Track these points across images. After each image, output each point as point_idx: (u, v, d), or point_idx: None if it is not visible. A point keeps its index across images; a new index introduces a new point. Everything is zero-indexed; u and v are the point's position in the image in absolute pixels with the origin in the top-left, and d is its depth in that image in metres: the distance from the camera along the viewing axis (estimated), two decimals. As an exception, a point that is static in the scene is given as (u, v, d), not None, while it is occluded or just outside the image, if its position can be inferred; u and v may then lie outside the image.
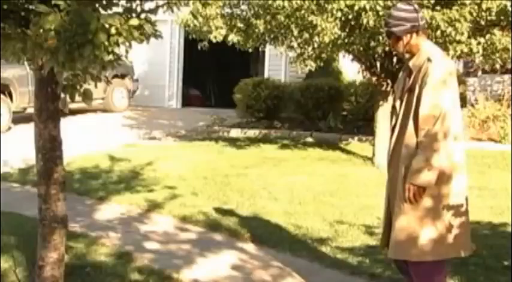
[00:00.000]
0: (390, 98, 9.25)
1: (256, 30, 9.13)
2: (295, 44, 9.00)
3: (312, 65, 9.30)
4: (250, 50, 10.44)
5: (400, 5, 3.82)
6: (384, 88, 9.18)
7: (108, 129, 12.74)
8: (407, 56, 3.82)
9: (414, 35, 3.72)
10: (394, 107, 3.87)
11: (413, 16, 3.75)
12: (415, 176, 3.55)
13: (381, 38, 8.03)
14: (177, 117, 14.49)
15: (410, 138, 3.63)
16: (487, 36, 8.09)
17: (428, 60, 3.66)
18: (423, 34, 3.78)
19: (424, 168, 3.53)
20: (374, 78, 9.33)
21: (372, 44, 8.35)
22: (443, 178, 3.60)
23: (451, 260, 3.89)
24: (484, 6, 7.75)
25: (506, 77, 12.83)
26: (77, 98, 3.25)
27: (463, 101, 10.87)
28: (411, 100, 3.66)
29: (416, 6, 3.81)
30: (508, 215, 6.19)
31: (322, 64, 9.78)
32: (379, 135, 9.11)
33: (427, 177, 3.53)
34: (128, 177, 8.06)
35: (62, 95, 3.30)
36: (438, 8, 7.97)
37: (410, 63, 3.75)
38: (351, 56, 9.57)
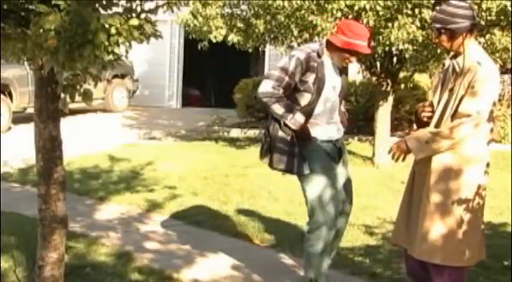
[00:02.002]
0: (390, 98, 9.26)
1: (256, 30, 9.12)
2: (295, 44, 9.00)
3: (312, 65, 9.29)
4: (250, 50, 10.43)
5: (454, 2, 3.60)
6: (383, 88, 9.18)
7: (108, 129, 12.73)
8: (452, 53, 3.65)
9: (468, 33, 3.56)
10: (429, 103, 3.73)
11: (470, 14, 3.59)
12: (415, 142, 3.51)
13: (381, 38, 8.04)
14: (177, 117, 14.49)
15: None
16: (487, 36, 8.08)
17: (478, 63, 3.51)
18: (473, 34, 3.62)
19: (429, 140, 3.50)
20: (374, 78, 9.33)
21: (372, 44, 8.35)
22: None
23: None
24: (484, 6, 7.74)
25: (506, 77, 12.82)
26: (77, 98, 3.25)
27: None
28: (450, 100, 3.54)
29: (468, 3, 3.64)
30: (508, 215, 6.19)
31: (322, 64, 9.76)
32: (379, 135, 9.11)
33: (421, 147, 3.51)
34: (128, 177, 8.05)
35: (62, 95, 3.30)
36: (438, 8, 7.96)
37: (457, 63, 3.58)
38: (350, 56, 9.56)
